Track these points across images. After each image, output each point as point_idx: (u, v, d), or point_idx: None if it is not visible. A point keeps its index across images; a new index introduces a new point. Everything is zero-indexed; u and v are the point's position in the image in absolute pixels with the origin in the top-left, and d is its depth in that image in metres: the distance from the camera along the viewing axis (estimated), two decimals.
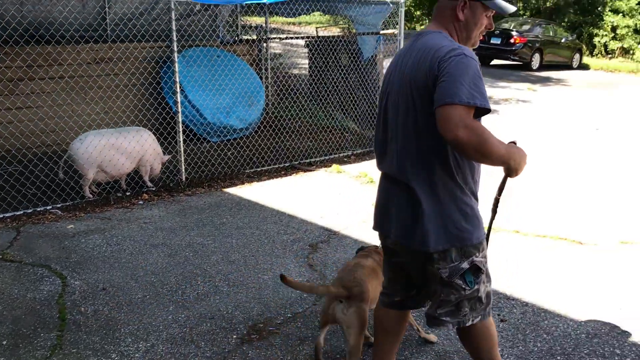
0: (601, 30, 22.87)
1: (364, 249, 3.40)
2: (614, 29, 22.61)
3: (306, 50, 10.09)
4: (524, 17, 22.92)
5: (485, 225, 2.48)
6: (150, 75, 8.09)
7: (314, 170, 7.11)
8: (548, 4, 24.06)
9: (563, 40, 19.69)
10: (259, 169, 6.98)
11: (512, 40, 17.86)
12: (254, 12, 10.38)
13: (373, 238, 4.84)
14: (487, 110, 2.18)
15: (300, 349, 3.33)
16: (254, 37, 9.73)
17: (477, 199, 2.43)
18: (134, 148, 5.96)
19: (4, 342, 3.35)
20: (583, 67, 20.66)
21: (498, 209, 2.63)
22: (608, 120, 10.76)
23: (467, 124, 2.08)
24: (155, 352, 3.29)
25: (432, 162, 2.32)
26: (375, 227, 2.66)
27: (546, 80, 16.68)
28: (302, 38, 10.85)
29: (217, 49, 8.64)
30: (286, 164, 7.22)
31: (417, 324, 3.36)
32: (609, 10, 22.73)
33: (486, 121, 2.40)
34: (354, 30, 9.33)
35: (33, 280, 4.14)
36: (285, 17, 9.22)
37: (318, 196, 6.12)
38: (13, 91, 7.10)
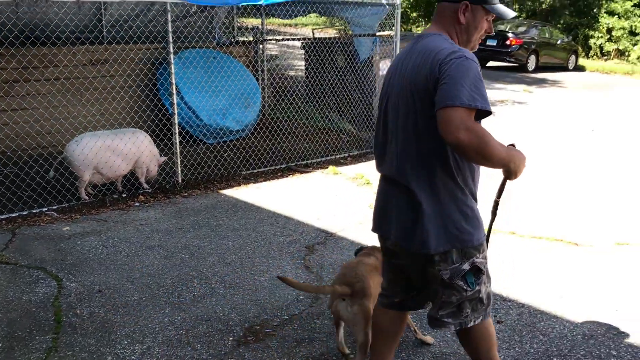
0: (597, 32, 22.95)
1: (363, 249, 3.39)
2: (609, 30, 22.70)
3: (302, 51, 10.09)
4: (520, 18, 22.98)
5: (485, 227, 2.49)
6: (146, 77, 8.08)
7: (310, 171, 7.11)
8: (544, 6, 24.13)
9: (559, 42, 19.75)
10: (255, 171, 6.98)
11: (508, 42, 17.91)
12: (250, 14, 10.39)
13: (369, 239, 4.84)
14: (488, 113, 2.19)
15: (296, 350, 3.32)
16: (250, 38, 9.73)
17: (476, 200, 2.44)
18: (130, 150, 5.95)
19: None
20: (579, 68, 20.72)
21: (498, 211, 2.63)
22: (604, 121, 10.79)
23: (469, 127, 2.09)
24: (151, 355, 3.28)
25: (433, 163, 2.33)
26: (374, 229, 2.66)
27: (542, 82, 16.72)
28: (299, 39, 10.86)
29: (213, 50, 8.64)
30: (282, 166, 7.21)
31: (414, 325, 3.36)
32: (605, 12, 22.82)
33: (482, 123, 2.40)
34: (350, 32, 9.34)
35: (28, 282, 4.13)
36: (282, 18, 9.21)
37: (314, 198, 6.12)
38: (8, 93, 7.08)
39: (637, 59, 21.89)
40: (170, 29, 6.15)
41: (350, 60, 8.91)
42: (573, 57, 20.51)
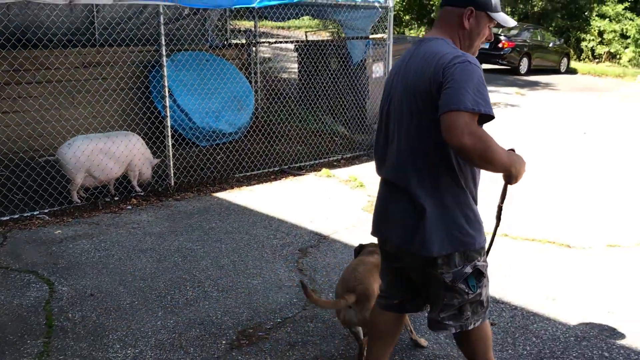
0: (588, 35, 23.09)
1: (365, 247, 3.37)
2: (600, 33, 22.84)
3: (295, 54, 10.09)
4: None
5: (490, 232, 2.51)
6: (138, 79, 8.06)
7: (303, 174, 7.11)
8: (536, 9, 24.24)
9: (551, 45, 19.85)
10: (248, 174, 6.97)
11: (500, 45, 17.98)
12: (243, 16, 10.38)
13: (363, 242, 4.84)
14: (491, 117, 2.21)
15: (290, 354, 3.31)
16: (243, 41, 9.72)
17: (476, 203, 2.46)
18: (122, 153, 5.93)
19: None
20: (571, 71, 20.84)
21: (502, 216, 2.65)
22: (595, 124, 10.86)
23: (472, 131, 2.11)
24: (144, 359, 3.26)
25: (436, 167, 2.34)
26: (374, 233, 2.65)
27: (534, 85, 16.80)
28: (292, 42, 10.86)
29: (206, 53, 8.62)
30: (276, 169, 7.21)
31: (410, 326, 3.36)
32: (596, 15, 22.96)
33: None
34: (343, 35, 9.35)
35: (20, 286, 4.10)
36: (275, 21, 9.23)
37: (308, 200, 6.11)
38: (0, 95, 7.04)
39: (629, 61, 22.04)
40: (162, 31, 6.14)
41: (343, 62, 8.92)
42: (565, 60, 20.63)
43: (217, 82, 7.93)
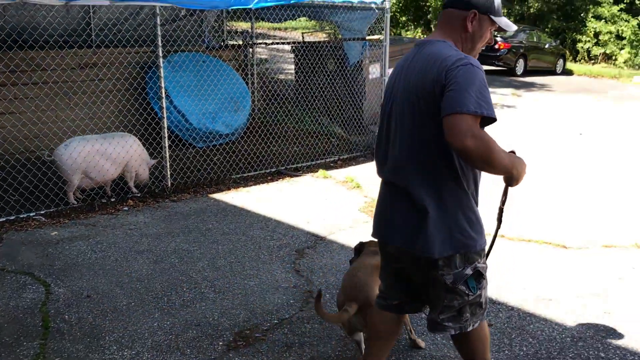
0: (584, 36, 23.15)
1: (364, 245, 3.36)
2: (596, 35, 22.90)
3: (292, 55, 10.10)
4: None
5: (490, 233, 2.52)
6: (135, 80, 8.05)
7: (300, 175, 7.11)
8: (532, 10, 24.29)
9: (547, 46, 19.89)
10: (245, 175, 6.97)
11: (496, 46, 18.01)
12: (239, 18, 10.39)
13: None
14: (493, 120, 2.22)
15: (286, 355, 3.31)
16: (240, 42, 9.72)
17: (477, 204, 2.47)
18: (119, 154, 5.93)
19: None
20: (566, 72, 20.89)
21: (503, 218, 2.66)
22: (591, 125, 10.88)
23: (475, 133, 2.12)
24: None
25: (439, 168, 2.34)
26: (374, 234, 2.66)
27: (530, 86, 16.84)
28: (288, 43, 10.87)
29: (202, 54, 8.62)
30: (272, 170, 7.21)
31: (410, 325, 3.36)
32: (592, 17, 23.01)
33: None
34: (340, 36, 9.36)
35: (16, 288, 4.09)
36: (271, 22, 9.23)
37: (304, 201, 6.11)
38: None
39: (624, 63, 22.10)
40: (159, 32, 6.13)
41: (339, 64, 8.93)
42: (561, 61, 20.67)
43: (214, 83, 7.93)
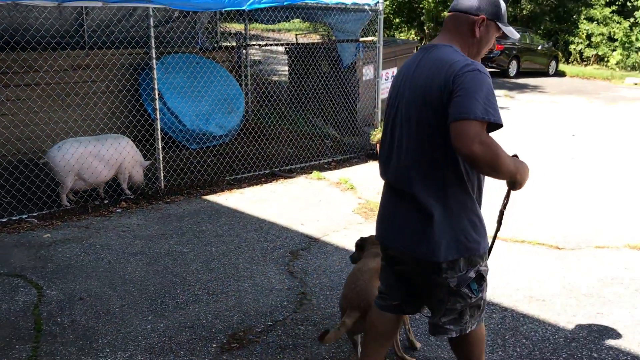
0: (576, 38, 23.26)
1: (365, 240, 3.35)
2: (589, 36, 23.02)
3: (286, 57, 10.10)
4: None
5: (490, 235, 2.53)
6: (128, 82, 8.03)
7: (294, 177, 7.11)
8: (525, 12, 24.40)
9: (539, 48, 19.98)
10: (238, 176, 6.96)
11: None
12: (233, 19, 10.37)
13: (354, 245, 4.84)
14: (500, 125, 2.23)
15: (280, 357, 3.31)
16: (234, 43, 9.71)
17: (480, 207, 2.48)
18: (112, 156, 5.91)
19: None
20: (559, 74, 20.98)
21: (502, 221, 2.68)
22: (584, 126, 10.93)
23: (482, 140, 2.14)
24: None
25: (444, 173, 2.35)
26: (377, 237, 2.66)
27: (523, 87, 16.91)
28: (282, 45, 10.87)
29: (196, 55, 8.60)
30: (266, 171, 7.20)
31: (409, 324, 3.36)
32: (584, 19, 23.13)
33: None
34: (334, 37, 9.37)
35: (8, 290, 4.07)
36: (265, 24, 9.21)
37: (298, 203, 6.11)
38: None
39: (616, 64, 22.22)
40: (152, 34, 6.12)
41: (333, 65, 8.93)
42: (553, 63, 20.77)
43: (207, 85, 7.92)
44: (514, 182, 2.37)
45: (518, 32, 19.55)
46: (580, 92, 16.28)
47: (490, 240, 2.56)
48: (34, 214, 5.54)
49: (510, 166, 2.26)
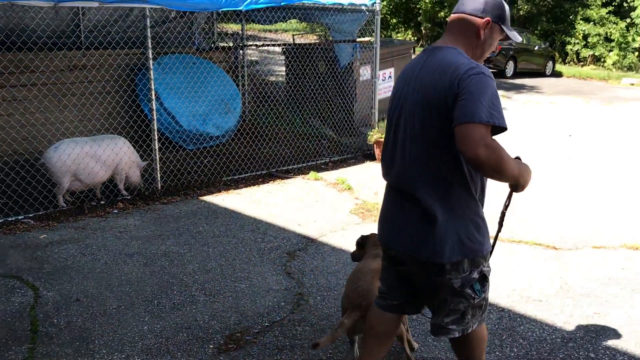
0: (573, 39, 23.32)
1: (366, 238, 3.35)
2: (585, 37, 23.08)
3: (283, 57, 10.09)
4: None
5: (491, 236, 2.54)
6: (125, 82, 8.01)
7: (291, 177, 7.10)
8: (521, 13, 24.45)
9: (536, 48, 20.02)
10: (235, 177, 6.95)
11: None
12: (230, 19, 10.36)
13: (351, 245, 4.84)
14: (504, 129, 2.24)
15: (278, 358, 3.30)
16: (231, 44, 9.71)
17: (483, 208, 2.49)
18: (109, 156, 5.89)
19: None
20: (556, 74, 21.02)
21: (504, 223, 2.68)
22: (581, 126, 10.95)
23: (487, 143, 2.15)
24: None
25: (448, 175, 2.35)
26: (379, 238, 2.65)
27: (520, 88, 16.93)
28: (279, 45, 10.86)
29: (193, 56, 8.59)
30: (263, 172, 7.19)
31: (407, 324, 3.35)
32: (581, 19, 23.19)
33: None
34: (331, 38, 9.37)
35: (4, 292, 4.05)
36: (262, 24, 9.21)
37: (295, 204, 6.11)
38: None
39: (612, 64, 22.29)
40: (149, 34, 6.11)
41: (330, 66, 8.93)
42: (550, 63, 20.81)
43: (204, 85, 7.91)
44: (517, 185, 2.39)
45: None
46: (577, 93, 16.31)
47: (492, 241, 2.56)
48: (30, 215, 5.52)
49: (514, 169, 2.27)
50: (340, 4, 7.64)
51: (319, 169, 7.51)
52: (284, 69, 10.18)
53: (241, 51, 9.45)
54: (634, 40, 22.08)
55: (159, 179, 6.34)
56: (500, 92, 13.05)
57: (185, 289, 4.14)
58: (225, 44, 10.00)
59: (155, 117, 6.33)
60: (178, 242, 4.99)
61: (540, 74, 20.30)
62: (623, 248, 4.96)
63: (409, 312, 2.74)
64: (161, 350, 3.37)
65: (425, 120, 2.35)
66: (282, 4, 7.06)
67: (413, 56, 12.00)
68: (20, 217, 5.46)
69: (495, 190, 2.92)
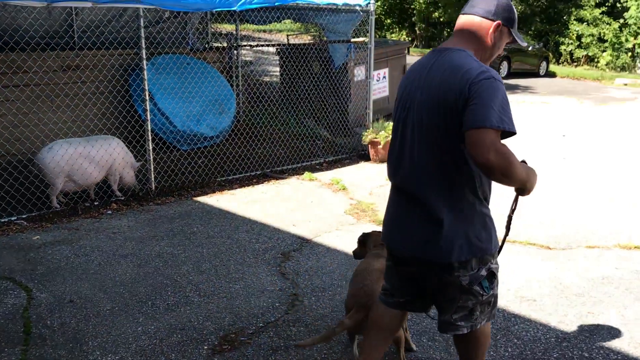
0: (567, 39, 23.43)
1: (368, 236, 3.34)
2: (579, 37, 23.18)
3: (277, 57, 10.08)
4: None
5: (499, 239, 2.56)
6: (119, 83, 7.98)
7: (285, 177, 7.09)
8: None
9: (530, 49, 20.08)
10: (230, 177, 6.94)
11: None
12: (224, 20, 10.35)
13: (345, 245, 4.84)
14: (513, 133, 2.25)
15: (272, 358, 3.30)
16: (225, 44, 9.69)
17: (488, 205, 2.50)
18: (102, 157, 5.87)
19: None
20: (550, 74, 21.10)
21: (511, 225, 2.69)
22: (574, 126, 10.98)
23: (498, 149, 2.16)
24: None
25: (456, 176, 2.35)
26: (384, 239, 2.65)
27: (514, 88, 16.98)
28: (273, 45, 10.86)
29: (186, 56, 8.58)
30: (258, 172, 7.18)
31: (406, 323, 3.35)
32: (574, 20, 23.30)
33: None
34: (325, 38, 9.37)
35: None
36: (256, 24, 9.20)
37: (290, 204, 6.10)
38: None
39: (606, 65, 22.39)
40: (143, 34, 6.09)
41: (325, 66, 8.93)
42: (544, 63, 20.89)
43: (198, 86, 7.89)
44: (523, 189, 2.41)
45: None
46: (570, 93, 16.37)
47: (499, 242, 2.56)
48: (24, 216, 5.50)
49: (523, 174, 2.28)
50: (334, 4, 7.64)
51: (313, 169, 7.50)
52: (278, 69, 10.17)
53: (235, 51, 9.44)
54: (627, 40, 22.21)
55: (152, 179, 6.32)
56: None
57: (180, 290, 4.13)
58: (219, 44, 9.98)
59: (149, 118, 6.31)
60: (172, 243, 4.98)
61: (534, 74, 20.37)
62: (617, 248, 4.98)
63: (415, 309, 2.73)
64: (155, 352, 3.35)
65: (433, 121, 2.34)
66: (276, 4, 7.05)
67: (407, 57, 12.01)
68: (13, 218, 5.43)
69: (499, 194, 2.91)
